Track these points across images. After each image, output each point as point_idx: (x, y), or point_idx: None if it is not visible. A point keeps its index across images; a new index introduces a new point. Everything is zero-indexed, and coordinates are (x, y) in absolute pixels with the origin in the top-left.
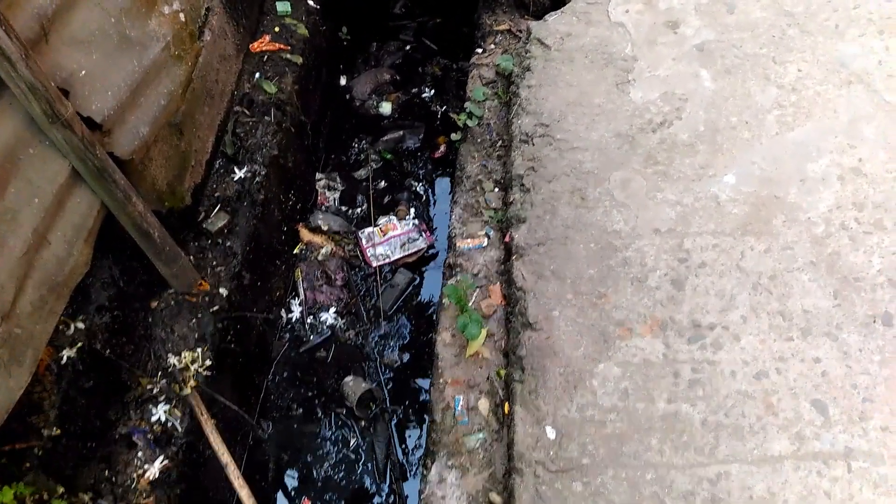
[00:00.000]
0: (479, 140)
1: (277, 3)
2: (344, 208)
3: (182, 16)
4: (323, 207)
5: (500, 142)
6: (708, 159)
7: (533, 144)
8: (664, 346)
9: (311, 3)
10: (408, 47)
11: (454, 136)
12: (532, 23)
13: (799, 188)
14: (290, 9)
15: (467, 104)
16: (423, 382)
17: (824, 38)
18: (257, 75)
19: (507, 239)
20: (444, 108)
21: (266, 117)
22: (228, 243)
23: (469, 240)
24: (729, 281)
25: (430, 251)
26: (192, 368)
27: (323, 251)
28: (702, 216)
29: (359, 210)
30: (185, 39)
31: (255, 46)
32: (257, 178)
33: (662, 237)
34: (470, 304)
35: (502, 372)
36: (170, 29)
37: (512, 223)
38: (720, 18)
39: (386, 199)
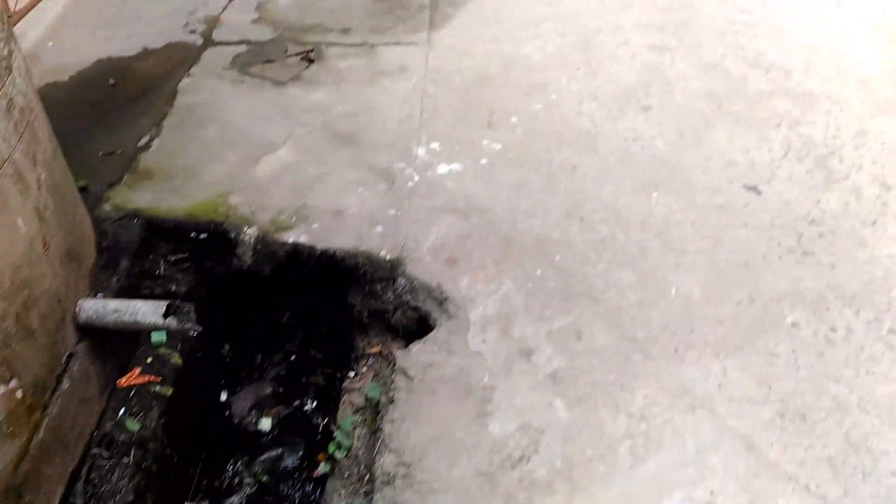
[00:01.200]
0: (346, 475)
1: (153, 333)
2: None
3: (20, 392)
4: None
5: (367, 475)
6: (566, 499)
7: (394, 487)
8: None
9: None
10: (293, 357)
11: (323, 468)
12: (398, 352)
13: None
14: (164, 338)
15: (336, 433)
16: None
17: (666, 363)
18: (122, 411)
19: None
20: (326, 419)
21: (125, 458)
22: None
23: None
24: None
25: None
26: None
27: None
28: None
29: None
30: (23, 415)
31: (123, 382)
32: None
33: None
34: None
35: None
36: (3, 409)
37: None
38: (570, 346)
39: None
